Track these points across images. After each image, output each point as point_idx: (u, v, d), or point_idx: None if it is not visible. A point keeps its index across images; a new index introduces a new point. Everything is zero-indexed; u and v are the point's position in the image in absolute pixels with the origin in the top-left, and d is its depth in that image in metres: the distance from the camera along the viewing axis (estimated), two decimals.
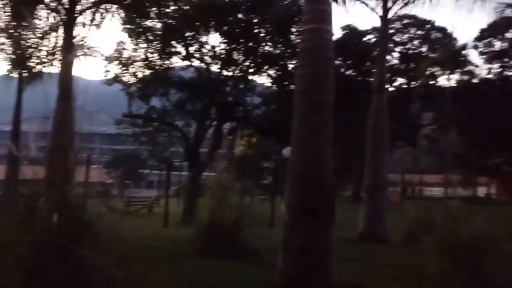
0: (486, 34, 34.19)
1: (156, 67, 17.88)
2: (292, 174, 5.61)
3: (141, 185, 51.92)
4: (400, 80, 35.53)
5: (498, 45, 34.45)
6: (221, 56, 17.94)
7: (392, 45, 34.19)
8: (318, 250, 5.30)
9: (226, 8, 16.74)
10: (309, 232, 5.26)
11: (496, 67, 34.71)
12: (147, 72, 18.17)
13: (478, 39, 34.51)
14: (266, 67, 18.84)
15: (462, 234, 6.38)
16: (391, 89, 35.58)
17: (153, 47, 17.23)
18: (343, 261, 6.78)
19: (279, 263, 5.57)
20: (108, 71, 18.51)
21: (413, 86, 35.23)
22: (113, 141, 58.56)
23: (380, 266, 7.30)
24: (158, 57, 17.58)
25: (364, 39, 30.57)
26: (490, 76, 34.87)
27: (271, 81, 20.12)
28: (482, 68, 35.16)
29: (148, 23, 16.19)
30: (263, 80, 20.70)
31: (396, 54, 35.03)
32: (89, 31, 12.16)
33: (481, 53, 34.85)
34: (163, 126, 23.72)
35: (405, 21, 33.87)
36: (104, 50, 34.50)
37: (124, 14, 13.43)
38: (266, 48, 18.43)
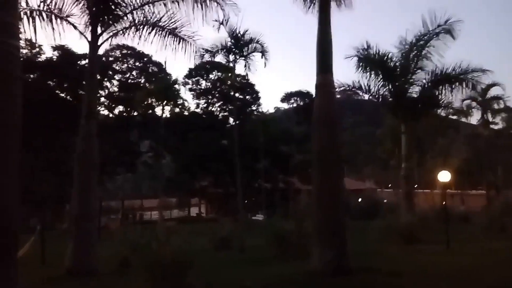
0: (194, 73, 39.42)
1: None
2: None
3: None
4: (120, 108, 36.05)
5: (204, 84, 40.33)
6: None
7: (111, 73, 34.50)
8: None
9: None
10: None
11: (203, 102, 40.43)
12: None
13: (187, 76, 39.38)
14: None
15: (164, 253, 6.84)
16: (111, 116, 35.65)
17: None
18: None
19: None
20: None
21: (133, 114, 36.44)
22: None
23: None
24: None
25: (84, 62, 29.53)
26: (198, 110, 40.28)
27: None
28: (192, 103, 40.28)
29: None
30: None
31: (116, 82, 35.49)
32: None
33: (191, 89, 39.91)
34: None
35: (125, 51, 34.93)
36: None
37: None
38: None
